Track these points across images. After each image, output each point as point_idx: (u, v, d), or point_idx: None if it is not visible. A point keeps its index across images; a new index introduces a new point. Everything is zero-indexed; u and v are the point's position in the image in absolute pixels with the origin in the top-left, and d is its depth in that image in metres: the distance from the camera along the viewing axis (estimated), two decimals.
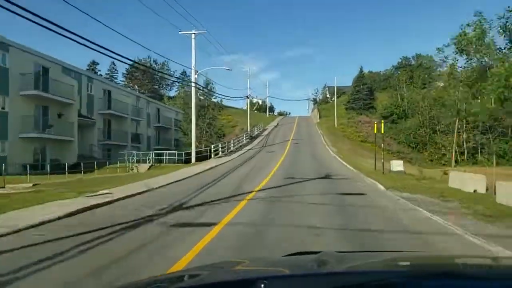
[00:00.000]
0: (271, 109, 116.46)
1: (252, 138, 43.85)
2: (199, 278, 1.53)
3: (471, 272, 1.42)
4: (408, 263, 1.75)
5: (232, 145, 35.85)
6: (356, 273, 1.40)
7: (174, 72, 74.08)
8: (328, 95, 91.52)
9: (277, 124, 64.51)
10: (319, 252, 1.72)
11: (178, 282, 1.50)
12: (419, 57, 70.80)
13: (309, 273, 1.44)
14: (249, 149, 33.85)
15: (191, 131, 28.94)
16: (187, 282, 1.48)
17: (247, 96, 52.43)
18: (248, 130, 48.17)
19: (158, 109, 46.17)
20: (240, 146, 36.96)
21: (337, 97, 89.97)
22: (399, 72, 68.94)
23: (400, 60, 72.94)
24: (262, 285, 1.10)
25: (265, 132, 51.22)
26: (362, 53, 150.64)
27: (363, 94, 64.73)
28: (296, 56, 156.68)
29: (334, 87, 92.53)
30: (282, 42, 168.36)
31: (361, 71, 66.95)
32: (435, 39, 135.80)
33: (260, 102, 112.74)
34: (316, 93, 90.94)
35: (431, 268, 1.53)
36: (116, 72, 76.54)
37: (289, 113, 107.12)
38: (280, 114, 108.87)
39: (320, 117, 67.42)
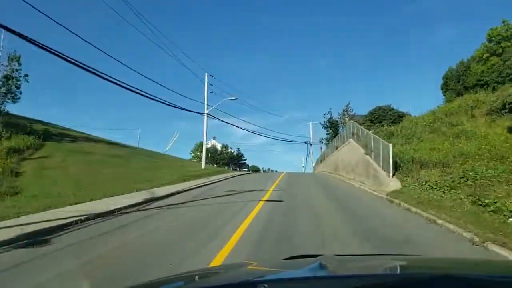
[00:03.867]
0: (238, 159, 70.44)
1: None
2: (203, 280, 1.60)
3: (470, 275, 1.35)
4: (406, 266, 1.69)
5: None
6: (355, 277, 1.37)
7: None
8: (348, 119, 48.05)
9: (209, 181, 20.37)
10: (319, 255, 1.72)
11: (184, 284, 1.50)
12: None
13: (308, 276, 1.42)
14: None
15: None
16: (192, 284, 1.49)
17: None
18: None
19: None
20: None
21: (378, 128, 43.74)
22: None
23: None
24: None
25: None
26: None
27: None
28: (292, 118, 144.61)
29: (358, 114, 49.42)
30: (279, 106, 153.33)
31: None
32: None
33: (220, 147, 68.14)
34: (330, 118, 45.37)
35: (429, 271, 1.49)
36: None
37: (276, 170, 61.78)
38: (255, 170, 63.36)
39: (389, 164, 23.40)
